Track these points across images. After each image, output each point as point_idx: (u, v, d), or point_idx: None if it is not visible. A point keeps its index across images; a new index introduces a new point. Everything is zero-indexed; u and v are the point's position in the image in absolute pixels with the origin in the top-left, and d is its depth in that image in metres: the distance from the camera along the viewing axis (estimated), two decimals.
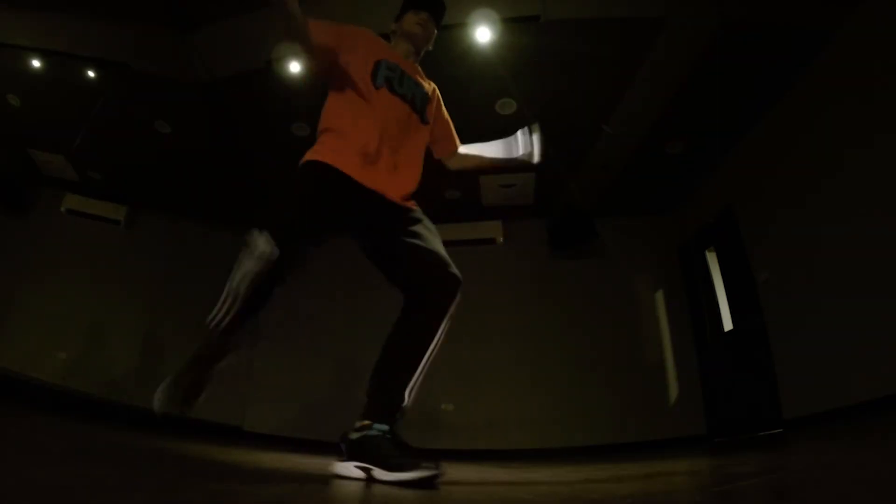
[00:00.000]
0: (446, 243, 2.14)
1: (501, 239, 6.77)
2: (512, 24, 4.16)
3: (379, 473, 1.68)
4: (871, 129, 3.63)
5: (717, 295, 5.65)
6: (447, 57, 4.45)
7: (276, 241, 1.76)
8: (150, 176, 6.57)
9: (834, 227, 3.95)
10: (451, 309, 2.00)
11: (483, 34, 4.21)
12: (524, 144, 2.30)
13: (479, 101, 4.93)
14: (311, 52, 2.04)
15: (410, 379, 1.88)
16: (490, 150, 2.41)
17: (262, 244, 1.77)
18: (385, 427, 1.78)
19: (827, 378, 3.90)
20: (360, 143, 1.99)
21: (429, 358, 1.92)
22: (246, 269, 1.76)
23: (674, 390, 5.79)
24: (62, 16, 4.46)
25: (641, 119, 4.98)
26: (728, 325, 5.43)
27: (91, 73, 4.91)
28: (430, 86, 2.36)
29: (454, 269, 2.03)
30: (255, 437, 5.92)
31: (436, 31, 2.40)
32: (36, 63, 4.88)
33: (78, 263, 6.69)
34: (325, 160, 1.94)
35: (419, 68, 2.39)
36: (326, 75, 2.16)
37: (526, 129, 2.31)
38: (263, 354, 6.66)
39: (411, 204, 2.14)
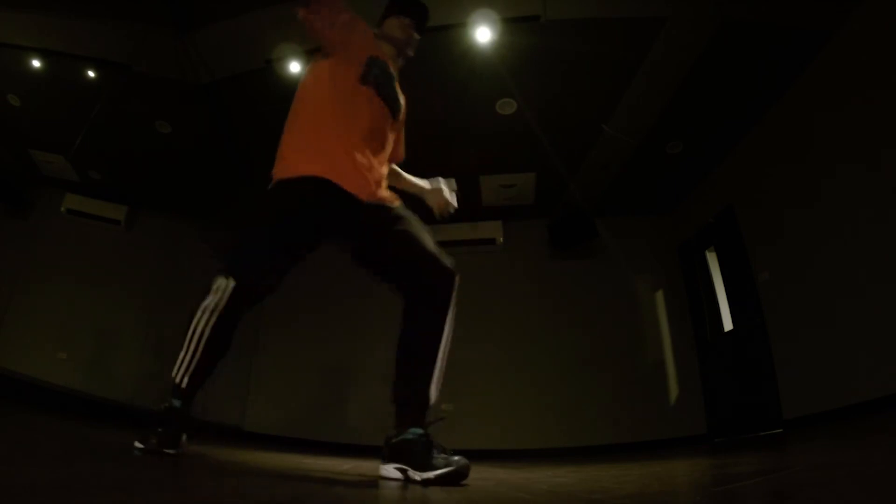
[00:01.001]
0: (447, 244, 2.13)
1: (502, 239, 6.76)
2: (512, 24, 4.16)
3: (412, 474, 1.71)
4: (872, 128, 3.63)
5: (718, 295, 5.65)
6: (447, 57, 4.45)
7: (234, 294, 1.81)
8: (150, 176, 6.58)
9: (834, 227, 3.95)
10: (453, 299, 1.96)
11: (483, 34, 4.21)
12: (445, 195, 2.36)
13: (480, 101, 4.93)
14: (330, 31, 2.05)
15: (430, 377, 1.86)
16: (418, 181, 2.41)
17: (221, 283, 1.82)
18: (419, 430, 1.79)
19: (827, 378, 3.90)
20: (338, 144, 1.94)
21: (444, 352, 1.90)
22: (209, 309, 1.82)
23: (674, 390, 5.79)
24: (62, 16, 4.46)
25: (641, 119, 4.98)
26: (728, 324, 5.43)
27: (91, 73, 4.92)
28: (402, 95, 2.28)
29: (447, 260, 1.98)
30: (255, 437, 5.92)
31: (418, 38, 2.36)
32: (36, 63, 4.89)
33: (78, 263, 6.70)
34: (304, 173, 1.89)
35: (397, 75, 2.30)
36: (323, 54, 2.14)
37: (452, 181, 2.37)
38: (263, 354, 6.67)
39: (391, 199, 2.06)
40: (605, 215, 6.49)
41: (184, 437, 1.87)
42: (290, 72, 4.58)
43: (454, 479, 1.66)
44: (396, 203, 2.05)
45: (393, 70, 2.20)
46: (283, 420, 6.17)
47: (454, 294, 1.96)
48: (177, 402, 1.89)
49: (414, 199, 2.28)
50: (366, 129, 1.99)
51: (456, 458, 1.71)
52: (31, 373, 5.72)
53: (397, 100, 2.16)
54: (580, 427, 5.68)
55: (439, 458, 1.70)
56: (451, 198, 2.36)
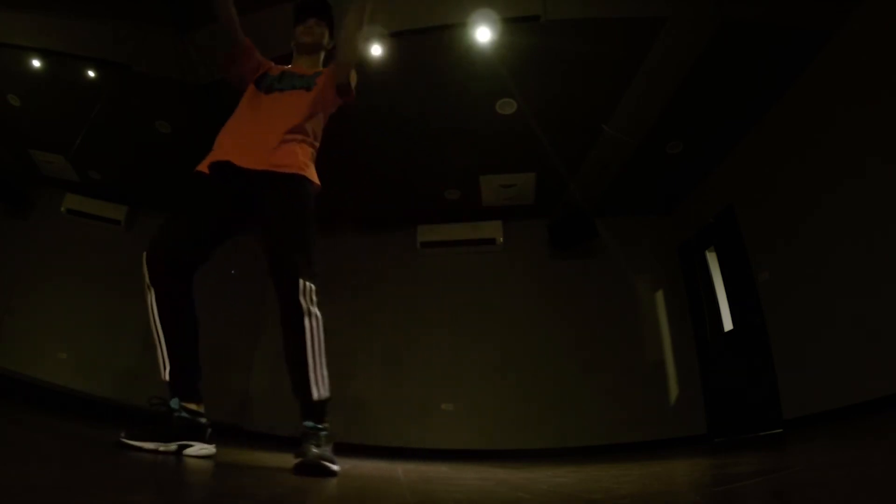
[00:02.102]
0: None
1: (502, 239, 6.76)
2: (512, 24, 4.16)
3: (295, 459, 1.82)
4: (872, 128, 3.63)
5: (718, 294, 5.65)
6: (447, 57, 4.45)
7: (148, 263, 1.97)
8: (151, 176, 6.58)
9: (834, 227, 3.95)
10: (301, 304, 1.96)
11: (483, 34, 4.21)
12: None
13: (480, 101, 4.93)
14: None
15: (307, 380, 1.99)
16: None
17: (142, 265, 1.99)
18: (309, 423, 1.98)
19: (827, 378, 3.90)
20: (225, 136, 2.31)
21: (313, 352, 2.00)
22: (147, 298, 2.00)
23: (674, 390, 5.79)
24: (62, 16, 4.47)
25: (641, 119, 4.98)
26: (728, 324, 5.43)
27: (91, 74, 4.92)
28: (317, 70, 2.51)
29: (289, 261, 1.98)
30: (256, 437, 5.91)
31: (327, 28, 2.59)
32: (36, 63, 4.89)
33: (78, 263, 6.70)
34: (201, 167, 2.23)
35: (313, 63, 2.58)
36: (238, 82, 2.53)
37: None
38: (263, 354, 6.67)
39: (288, 166, 2.15)
40: (605, 215, 6.49)
41: (205, 433, 2.05)
42: None
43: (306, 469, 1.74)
44: (293, 172, 2.14)
45: (298, 66, 2.53)
46: (283, 420, 6.16)
47: (299, 299, 1.95)
48: (174, 403, 2.00)
49: None
50: (259, 117, 2.27)
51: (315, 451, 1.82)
52: (31, 373, 5.72)
53: (300, 83, 2.37)
54: (580, 427, 5.68)
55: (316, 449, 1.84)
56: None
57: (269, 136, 2.18)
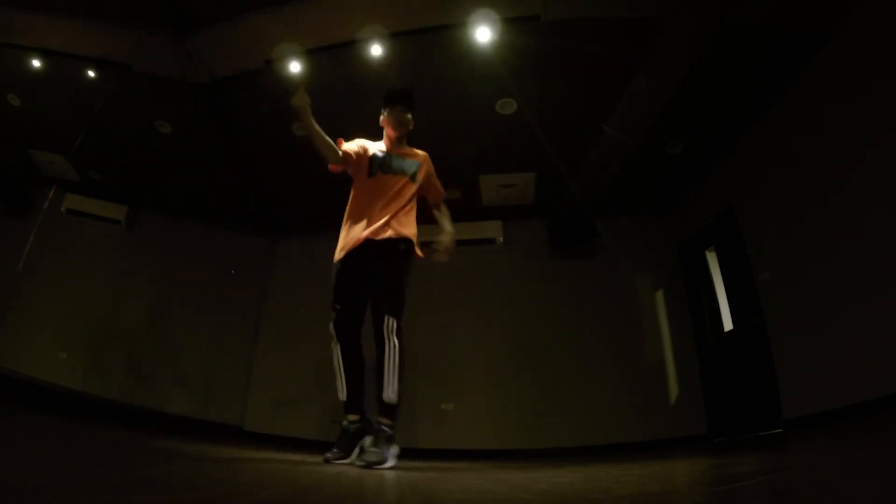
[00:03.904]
0: None
1: (502, 239, 6.77)
2: (512, 23, 4.16)
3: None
4: (872, 128, 3.63)
5: (718, 294, 5.65)
6: (447, 57, 4.45)
7: (335, 328, 2.95)
8: (151, 176, 6.58)
9: (834, 226, 3.95)
10: (383, 334, 2.79)
11: (483, 34, 4.21)
12: (449, 242, 3.19)
13: (480, 101, 4.94)
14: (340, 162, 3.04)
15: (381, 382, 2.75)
16: (446, 223, 3.30)
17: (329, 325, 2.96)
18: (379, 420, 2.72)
19: (827, 377, 3.90)
20: (346, 229, 3.08)
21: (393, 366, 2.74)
22: (331, 343, 2.96)
23: (674, 390, 5.80)
24: (62, 16, 4.47)
25: (641, 119, 4.98)
26: (728, 324, 5.43)
27: (91, 74, 4.91)
28: (421, 154, 3.27)
29: (387, 303, 2.85)
30: (256, 437, 5.92)
31: (410, 115, 3.19)
32: (36, 63, 4.89)
33: (78, 263, 6.70)
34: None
35: (406, 146, 3.27)
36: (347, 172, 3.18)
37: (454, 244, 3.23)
38: (263, 355, 6.67)
39: (396, 235, 2.98)
40: (605, 215, 6.49)
41: (363, 443, 2.74)
42: (289, 71, 4.58)
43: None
44: (401, 241, 2.97)
45: (395, 149, 3.19)
46: (282, 420, 6.17)
47: (384, 330, 2.77)
48: (345, 422, 2.92)
49: None
50: (373, 202, 3.02)
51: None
52: (32, 373, 5.73)
53: (403, 168, 3.13)
54: (580, 427, 5.68)
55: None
56: (451, 248, 3.15)
57: (385, 212, 2.98)
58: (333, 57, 4.54)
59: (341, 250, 3.00)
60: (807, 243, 4.26)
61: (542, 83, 4.71)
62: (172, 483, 1.30)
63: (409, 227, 3.03)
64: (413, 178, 3.13)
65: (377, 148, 3.17)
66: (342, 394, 2.91)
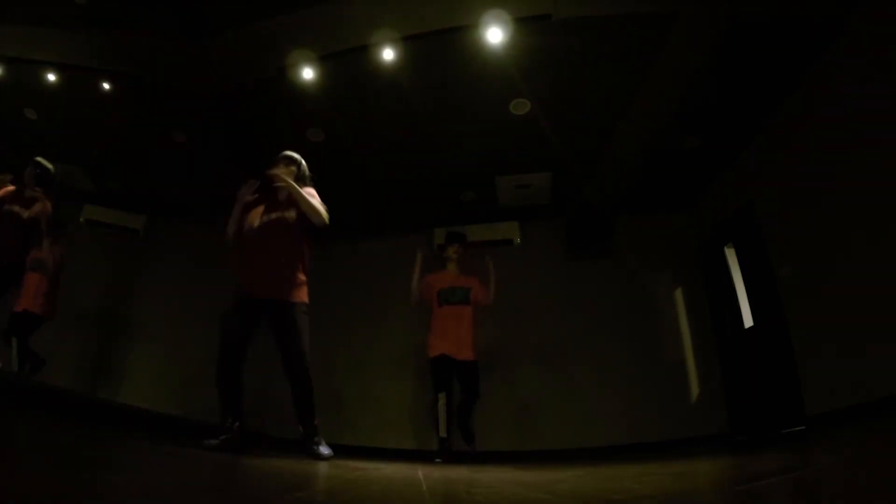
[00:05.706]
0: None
1: (518, 240, 6.75)
2: (523, 23, 4.15)
3: None
4: (893, 118, 3.55)
5: (738, 291, 5.59)
6: (460, 59, 4.45)
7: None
8: (168, 185, 6.65)
9: (854, 221, 3.88)
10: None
11: (495, 35, 4.20)
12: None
13: (494, 102, 4.93)
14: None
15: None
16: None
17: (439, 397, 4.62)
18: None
19: (850, 373, 3.83)
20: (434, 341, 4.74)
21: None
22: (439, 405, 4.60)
23: (695, 388, 5.74)
24: (76, 29, 4.54)
25: (657, 115, 4.94)
26: (749, 321, 5.37)
27: (106, 85, 4.99)
28: (470, 281, 4.86)
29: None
30: (255, 437, 5.95)
31: (462, 249, 5.00)
32: (52, 77, 4.98)
33: (98, 273, 6.80)
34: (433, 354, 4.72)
35: (460, 273, 4.92)
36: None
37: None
38: (263, 355, 6.71)
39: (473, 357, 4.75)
40: (622, 213, 6.46)
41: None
42: (303, 78, 4.61)
43: None
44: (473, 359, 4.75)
45: (456, 279, 4.86)
46: (282, 420, 6.19)
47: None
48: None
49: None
50: (448, 325, 4.71)
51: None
52: (53, 382, 5.79)
53: (461, 297, 4.79)
54: (601, 427, 5.66)
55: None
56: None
57: (461, 334, 4.69)
58: (346, 63, 4.55)
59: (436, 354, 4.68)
60: (827, 238, 4.18)
61: (555, 82, 4.69)
62: (174, 483, 1.31)
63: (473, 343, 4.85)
64: (468, 303, 4.91)
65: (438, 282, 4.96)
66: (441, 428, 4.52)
